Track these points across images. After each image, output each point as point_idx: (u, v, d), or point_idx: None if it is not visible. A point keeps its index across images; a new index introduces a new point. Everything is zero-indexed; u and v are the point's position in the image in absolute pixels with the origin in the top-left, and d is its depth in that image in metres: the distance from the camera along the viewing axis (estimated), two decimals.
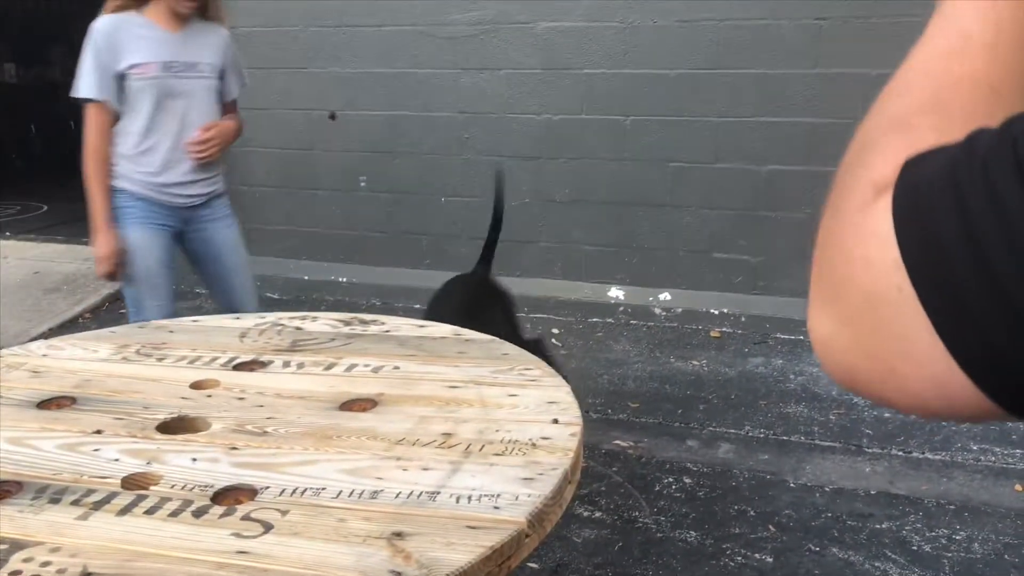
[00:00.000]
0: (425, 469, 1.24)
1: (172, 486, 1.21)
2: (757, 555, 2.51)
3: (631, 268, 4.43)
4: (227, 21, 2.94)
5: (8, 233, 6.07)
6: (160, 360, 1.68)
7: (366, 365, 1.63)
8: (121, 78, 2.71)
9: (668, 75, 4.22)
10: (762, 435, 3.25)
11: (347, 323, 1.87)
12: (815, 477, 2.94)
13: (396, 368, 1.61)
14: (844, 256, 0.46)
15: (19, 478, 1.24)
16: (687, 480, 2.94)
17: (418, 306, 4.57)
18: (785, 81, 4.09)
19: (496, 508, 1.13)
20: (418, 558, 1.03)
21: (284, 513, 1.14)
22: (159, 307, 2.80)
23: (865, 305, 0.44)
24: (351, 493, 1.18)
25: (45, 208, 7.19)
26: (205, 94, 2.83)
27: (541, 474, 1.21)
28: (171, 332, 1.84)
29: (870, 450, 3.12)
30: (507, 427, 1.35)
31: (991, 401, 0.41)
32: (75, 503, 1.17)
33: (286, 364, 1.65)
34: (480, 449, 1.29)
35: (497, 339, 1.77)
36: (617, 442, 3.16)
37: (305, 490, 1.19)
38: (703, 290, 4.33)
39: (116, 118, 2.78)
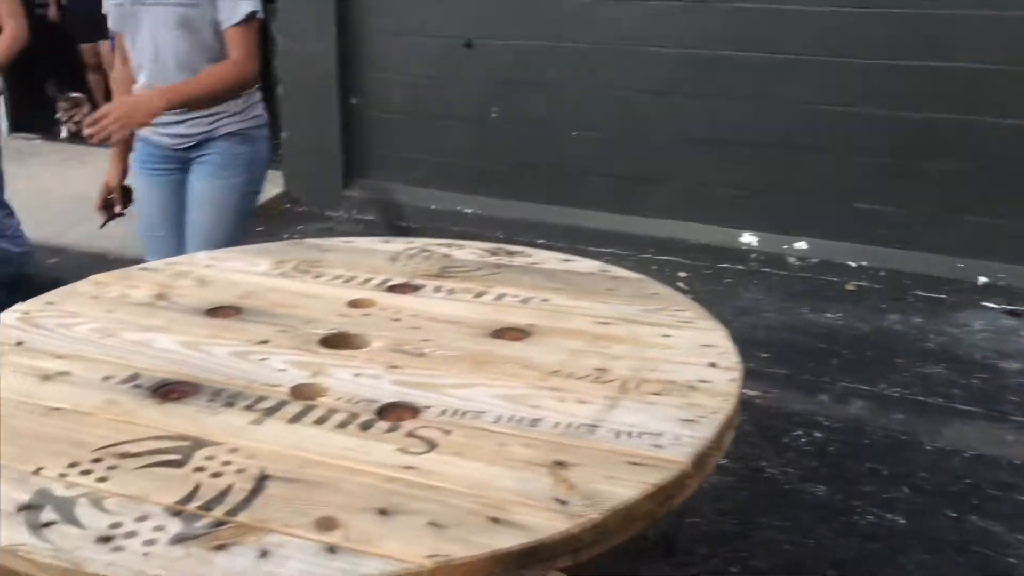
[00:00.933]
0: (581, 402, 1.24)
1: (338, 399, 1.25)
2: (889, 515, 2.44)
3: (765, 214, 4.29)
4: None
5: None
6: (317, 278, 1.73)
7: (515, 296, 1.63)
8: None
9: (819, 11, 4.00)
10: (897, 394, 3.13)
11: (493, 253, 1.88)
12: (954, 442, 2.82)
13: (545, 301, 1.61)
14: None
15: (194, 380, 1.31)
16: (817, 434, 2.86)
17: (542, 241, 4.56)
18: (950, 22, 3.82)
19: (658, 447, 1.12)
20: (581, 489, 1.03)
21: (447, 433, 1.16)
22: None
23: None
24: (510, 419, 1.19)
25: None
26: (176, 23, 2.32)
27: (702, 416, 1.19)
28: (325, 251, 1.89)
29: (1015, 418, 2.96)
30: (662, 367, 1.34)
31: None
32: (248, 408, 1.23)
33: (437, 289, 1.67)
34: (636, 387, 1.28)
35: (646, 278, 1.74)
36: (745, 391, 3.10)
37: (465, 412, 1.21)
38: (841, 240, 4.16)
39: None
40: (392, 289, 1.67)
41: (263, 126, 2.54)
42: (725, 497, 2.51)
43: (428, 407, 1.23)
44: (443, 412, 1.21)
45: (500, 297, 1.62)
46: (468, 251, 1.89)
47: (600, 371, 1.33)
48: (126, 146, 2.56)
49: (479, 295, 1.64)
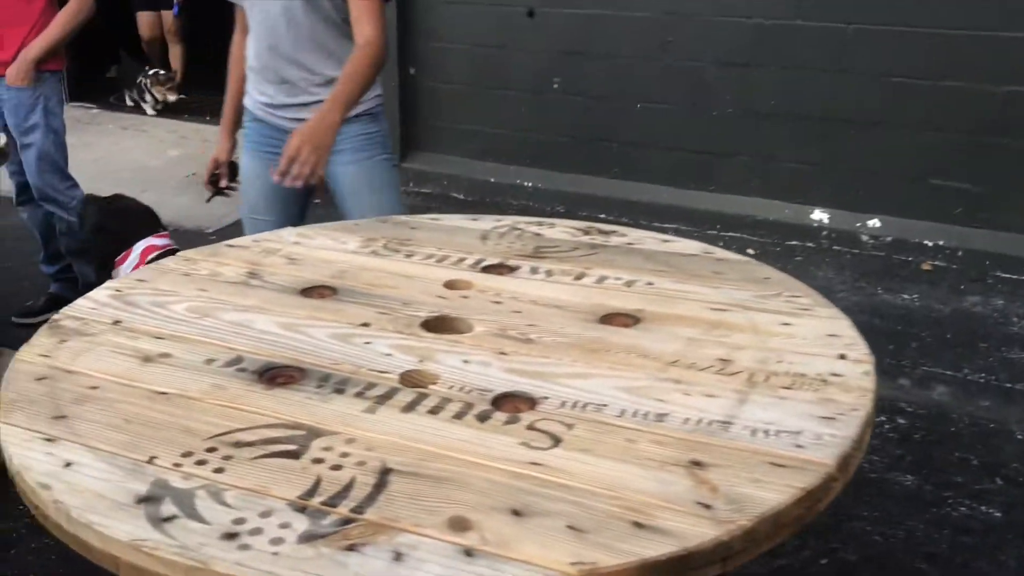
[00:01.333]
0: (708, 396, 1.17)
1: (450, 387, 1.20)
2: (983, 508, 2.35)
3: (838, 190, 4.15)
4: None
5: (207, 118, 6.33)
6: (408, 256, 1.67)
7: (617, 278, 1.56)
8: None
9: None
10: (982, 380, 3.01)
11: (586, 232, 1.81)
12: None
13: (650, 284, 1.53)
14: None
15: (299, 364, 1.26)
16: (900, 420, 2.77)
17: (603, 215, 4.48)
18: None
19: (798, 447, 1.05)
20: (725, 492, 0.97)
21: (569, 427, 1.10)
22: None
23: None
24: (635, 413, 1.13)
25: None
26: (300, 4, 2.19)
27: (841, 414, 1.12)
28: (413, 229, 1.83)
29: None
30: (788, 359, 1.26)
31: None
32: (359, 395, 1.18)
33: (534, 270, 1.61)
34: (765, 380, 1.20)
35: (752, 260, 1.66)
36: None
37: (586, 404, 1.15)
38: (916, 219, 4.02)
39: None
40: (487, 270, 1.61)
41: (382, 104, 2.39)
42: None
43: (545, 398, 1.17)
44: (562, 404, 1.15)
45: (601, 280, 1.55)
46: (560, 230, 1.82)
47: (723, 362, 1.25)
48: (235, 121, 2.47)
49: (579, 277, 1.57)
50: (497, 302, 1.47)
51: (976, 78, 3.85)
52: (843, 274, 3.91)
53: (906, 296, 3.68)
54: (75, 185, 3.31)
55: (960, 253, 3.94)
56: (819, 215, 4.23)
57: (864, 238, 4.14)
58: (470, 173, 5.10)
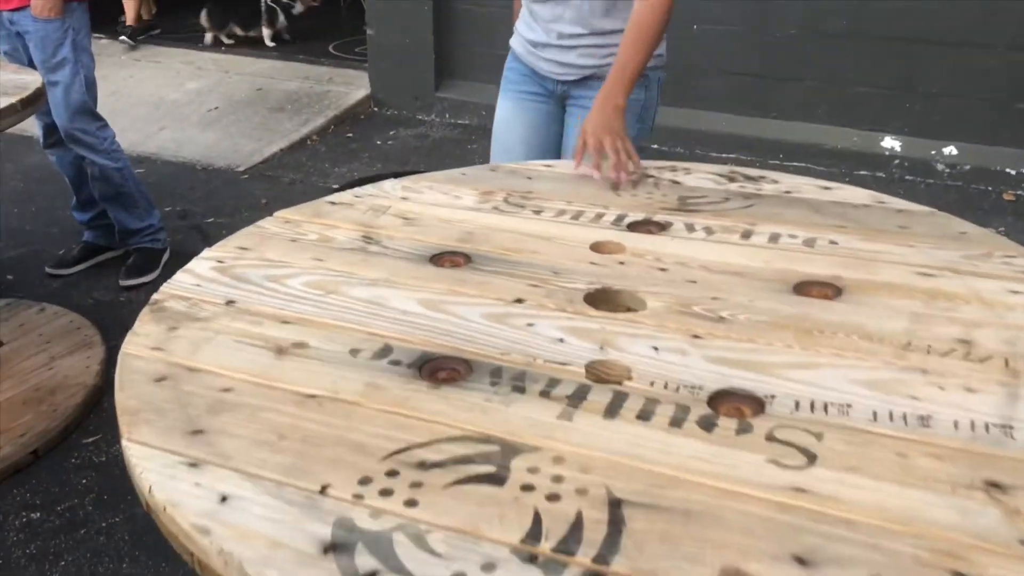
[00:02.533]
0: (968, 390, 0.97)
1: (650, 383, 1.00)
2: None
3: (911, 116, 3.90)
4: None
5: (223, 48, 6.02)
6: (537, 213, 1.46)
7: (792, 236, 1.35)
8: None
9: None
10: None
11: (730, 179, 1.59)
12: None
13: (833, 243, 1.33)
14: None
15: (461, 354, 1.06)
16: None
17: (657, 145, 4.23)
18: None
19: None
20: None
21: (818, 436, 0.91)
22: None
23: None
24: (890, 415, 0.93)
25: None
26: None
27: None
28: (530, 179, 1.61)
29: None
30: None
31: None
32: (544, 395, 0.98)
33: (690, 228, 1.40)
34: None
35: (936, 211, 1.45)
36: None
37: (827, 405, 0.95)
38: (998, 145, 3.78)
39: None
40: (634, 227, 1.40)
41: (661, 67, 1.99)
42: None
43: (771, 396, 0.97)
44: (796, 405, 0.96)
45: (775, 238, 1.35)
46: (699, 176, 1.61)
47: (964, 344, 1.06)
48: None
49: (746, 235, 1.36)
50: (662, 268, 1.27)
51: None
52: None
53: (991, 230, 3.47)
54: (106, 125, 3.06)
55: None
56: (890, 142, 3.98)
57: (939, 167, 3.90)
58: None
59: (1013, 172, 3.76)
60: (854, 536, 0.78)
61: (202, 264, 1.29)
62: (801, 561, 0.75)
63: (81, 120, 2.95)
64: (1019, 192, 3.74)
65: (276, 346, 1.08)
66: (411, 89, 4.94)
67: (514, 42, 2.12)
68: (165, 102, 5.18)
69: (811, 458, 0.88)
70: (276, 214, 1.46)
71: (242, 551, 0.77)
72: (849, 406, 0.95)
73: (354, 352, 1.06)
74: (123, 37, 5.98)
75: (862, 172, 3.98)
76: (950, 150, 3.88)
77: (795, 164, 4.06)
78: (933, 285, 1.20)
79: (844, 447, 0.89)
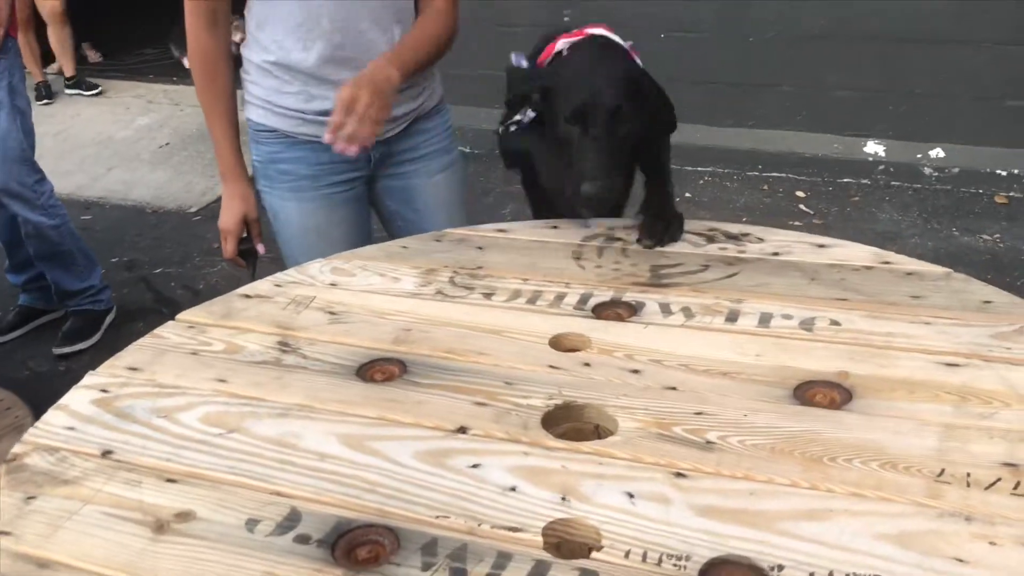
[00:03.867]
0: (1022, 544, 0.77)
1: (627, 554, 0.79)
2: None
3: (895, 118, 3.71)
4: None
5: (175, 78, 5.76)
6: (488, 296, 1.24)
7: (786, 316, 1.14)
8: None
9: None
10: None
11: (709, 239, 1.38)
12: None
13: (835, 324, 1.12)
14: None
15: (388, 520, 0.84)
16: None
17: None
18: None
19: None
20: None
21: None
22: None
23: None
24: None
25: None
26: None
27: None
28: (480, 249, 1.40)
29: None
30: None
31: None
32: (498, 567, 0.77)
33: (665, 310, 1.18)
34: None
35: (948, 271, 1.24)
36: None
37: None
38: (987, 145, 3.59)
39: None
40: (600, 312, 1.19)
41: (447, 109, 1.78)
42: None
43: (778, 567, 0.76)
44: None
45: (766, 320, 1.14)
46: (678, 245, 1.39)
47: (1012, 468, 0.85)
48: (239, 152, 1.66)
49: (732, 317, 1.15)
50: (634, 370, 1.05)
51: None
52: (909, 215, 3.50)
53: (986, 236, 3.28)
54: (44, 179, 2.78)
55: None
56: (873, 147, 3.79)
57: (927, 171, 3.71)
58: (474, 122, 4.61)
59: (1004, 173, 3.57)
60: None
61: (82, 396, 1.06)
62: None
63: (18, 171, 2.68)
64: (1012, 194, 3.56)
65: (155, 520, 0.86)
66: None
67: (262, 115, 1.62)
68: (114, 140, 4.93)
69: None
70: (179, 317, 1.23)
71: None
72: None
73: (251, 525, 0.84)
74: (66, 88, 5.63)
75: (845, 180, 3.79)
76: (937, 152, 3.69)
77: (775, 175, 3.86)
78: (963, 380, 0.99)
79: None
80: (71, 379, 1.17)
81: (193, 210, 4.08)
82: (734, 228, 1.41)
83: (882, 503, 0.82)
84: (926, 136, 3.68)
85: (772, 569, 0.76)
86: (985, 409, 0.94)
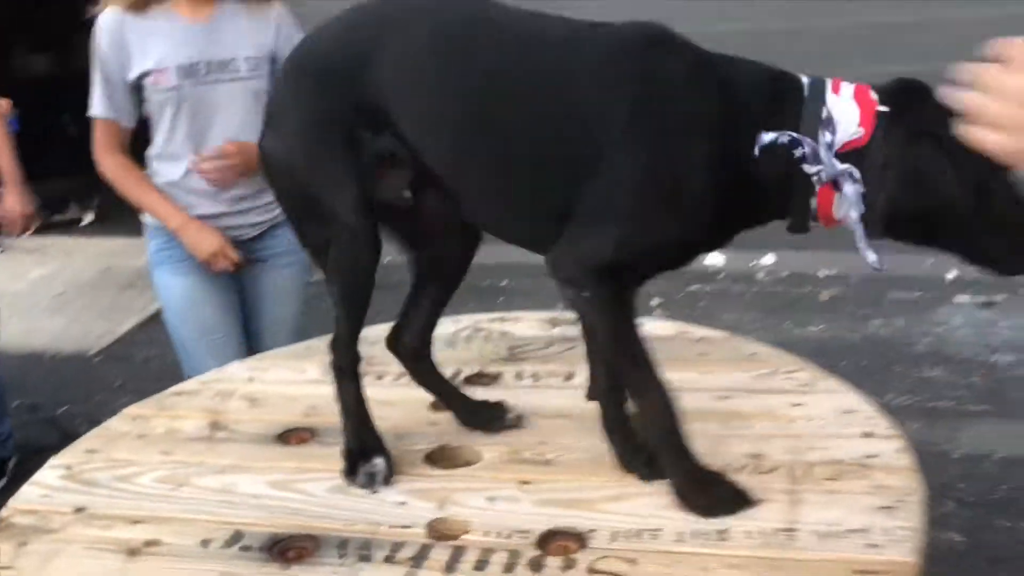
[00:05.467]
0: (759, 501, 1.12)
1: (485, 533, 1.10)
2: (944, 534, 2.40)
3: None
4: None
5: (65, 232, 5.95)
6: (379, 378, 1.56)
7: None
8: (137, 88, 2.07)
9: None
10: (907, 403, 3.12)
11: (553, 324, 1.75)
12: (977, 446, 2.82)
13: None
14: None
15: (309, 531, 1.13)
16: None
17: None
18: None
19: (873, 546, 1.01)
20: None
21: (633, 563, 1.02)
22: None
23: None
24: (693, 534, 1.06)
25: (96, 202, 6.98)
26: (245, 100, 2.06)
27: (899, 501, 1.08)
28: (372, 344, 1.72)
29: None
30: (818, 445, 1.23)
31: None
32: (390, 560, 1.06)
33: (518, 376, 1.53)
34: (805, 474, 1.16)
35: (728, 334, 1.64)
36: None
37: (640, 532, 1.07)
38: (811, 250, 4.18)
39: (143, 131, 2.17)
40: (469, 381, 1.52)
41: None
42: None
43: (592, 531, 1.09)
44: (613, 536, 1.07)
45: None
46: (526, 324, 1.75)
47: (755, 458, 1.21)
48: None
49: (568, 378, 1.50)
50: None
51: None
52: (749, 312, 4.00)
53: (813, 328, 3.80)
54: None
55: (853, 279, 4.11)
56: (713, 258, 4.33)
57: (760, 275, 4.27)
58: None
59: (824, 275, 4.15)
60: None
61: (49, 474, 1.31)
62: None
63: None
64: (833, 292, 4.12)
65: (128, 548, 1.12)
66: None
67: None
68: (7, 293, 5.03)
69: None
70: (123, 412, 1.50)
71: None
72: (659, 530, 1.07)
73: (206, 544, 1.12)
74: None
75: (694, 287, 4.29)
76: (768, 259, 4.26)
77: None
78: (730, 407, 1.36)
79: (656, 569, 1.01)
80: None
81: (93, 351, 4.24)
82: (573, 315, 1.78)
83: (663, 486, 1.16)
84: (758, 246, 4.26)
85: (588, 532, 1.08)
86: (742, 423, 1.31)
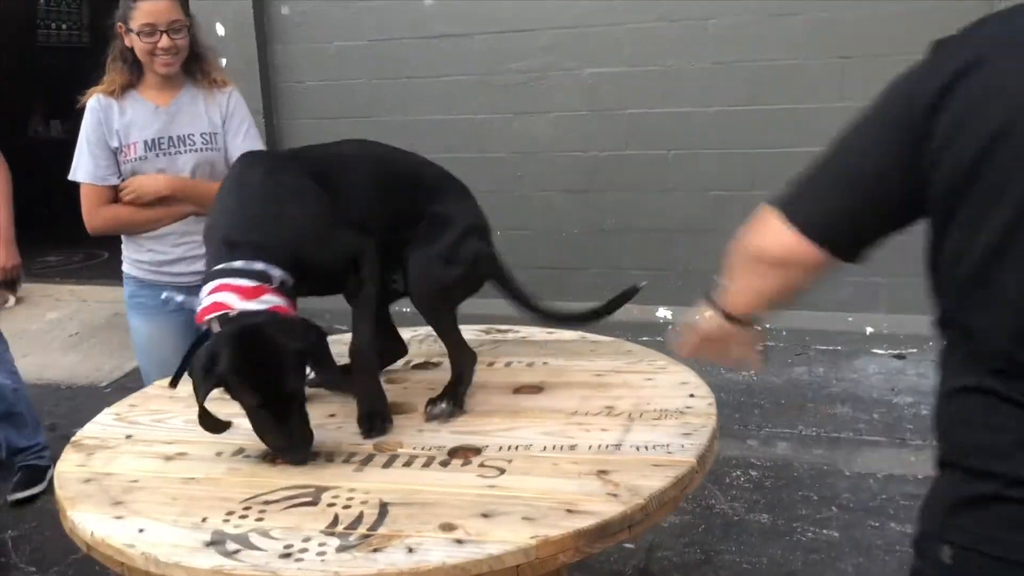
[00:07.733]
0: (604, 430, 1.61)
1: (414, 447, 1.59)
2: (825, 531, 2.86)
3: (677, 290, 4.80)
4: (228, 81, 2.72)
5: (84, 279, 6.47)
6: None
7: (519, 361, 2.01)
8: (114, 155, 2.58)
9: (707, 112, 4.64)
10: (814, 433, 3.60)
11: (487, 332, 2.25)
12: (867, 467, 3.29)
13: (546, 364, 1.99)
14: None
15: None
16: (753, 472, 3.29)
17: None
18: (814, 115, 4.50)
19: (670, 452, 1.50)
20: (625, 485, 1.40)
21: (509, 462, 1.51)
22: None
23: None
24: (554, 447, 1.56)
25: (106, 255, 7.53)
26: (200, 167, 2.59)
27: (696, 430, 1.58)
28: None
29: (913, 443, 3.46)
30: (656, 401, 1.73)
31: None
32: (346, 462, 1.55)
33: None
34: (640, 416, 1.66)
35: (619, 339, 2.15)
36: None
37: (517, 446, 1.57)
38: None
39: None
40: (417, 368, 2.03)
41: None
42: (687, 532, 2.89)
43: (487, 446, 1.58)
44: (500, 448, 1.57)
45: (509, 364, 2.00)
46: (467, 332, 2.26)
47: (609, 408, 1.71)
48: None
49: (491, 364, 2.00)
50: (431, 389, 1.88)
51: (779, 187, 4.64)
52: (690, 360, 4.49)
53: (744, 373, 4.29)
54: (8, 347, 3.39)
55: (784, 333, 4.62)
56: (663, 312, 4.85)
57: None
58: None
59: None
60: (519, 502, 1.37)
61: (103, 417, 1.81)
62: (486, 515, 1.34)
63: None
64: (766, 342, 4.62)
65: (165, 456, 1.61)
66: None
67: (132, 269, 2.68)
68: (27, 332, 5.53)
69: (502, 471, 1.48)
70: (156, 383, 1.99)
71: (156, 551, 1.29)
72: (531, 445, 1.57)
73: (219, 454, 1.61)
74: None
75: (645, 338, 4.79)
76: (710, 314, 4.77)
77: (588, 336, 4.84)
78: (602, 380, 1.86)
79: (523, 464, 1.50)
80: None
81: (104, 384, 4.71)
82: (503, 327, 2.29)
83: (541, 423, 1.66)
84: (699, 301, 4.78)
85: (483, 447, 1.57)
86: (607, 389, 1.81)
